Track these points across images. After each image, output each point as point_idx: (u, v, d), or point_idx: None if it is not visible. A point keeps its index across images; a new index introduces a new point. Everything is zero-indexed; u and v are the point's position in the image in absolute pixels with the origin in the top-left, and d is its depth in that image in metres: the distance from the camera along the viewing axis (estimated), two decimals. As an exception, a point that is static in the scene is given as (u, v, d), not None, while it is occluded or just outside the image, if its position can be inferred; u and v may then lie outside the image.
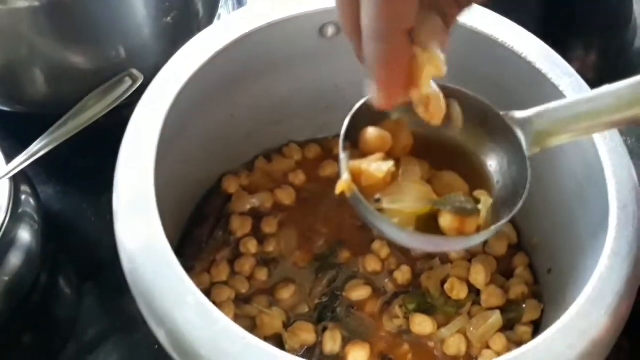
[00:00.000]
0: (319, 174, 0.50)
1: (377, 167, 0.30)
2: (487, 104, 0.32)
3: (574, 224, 0.39)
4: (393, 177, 0.31)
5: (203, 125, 0.43)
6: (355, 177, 0.30)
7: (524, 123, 0.31)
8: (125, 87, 0.49)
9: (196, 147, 0.43)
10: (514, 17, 0.42)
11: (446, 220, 0.29)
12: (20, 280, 0.45)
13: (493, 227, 0.30)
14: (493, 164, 0.32)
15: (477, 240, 0.31)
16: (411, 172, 0.31)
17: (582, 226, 0.38)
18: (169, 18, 0.50)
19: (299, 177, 0.49)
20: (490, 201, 0.30)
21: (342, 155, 0.30)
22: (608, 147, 0.37)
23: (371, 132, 0.31)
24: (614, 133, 0.38)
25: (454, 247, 0.35)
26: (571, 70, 0.39)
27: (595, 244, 0.34)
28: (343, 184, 0.30)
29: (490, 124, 0.32)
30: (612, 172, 0.36)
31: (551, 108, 0.31)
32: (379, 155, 0.31)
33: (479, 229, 0.30)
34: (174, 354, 0.30)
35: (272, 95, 0.46)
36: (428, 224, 0.29)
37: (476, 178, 0.32)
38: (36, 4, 0.44)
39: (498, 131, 0.31)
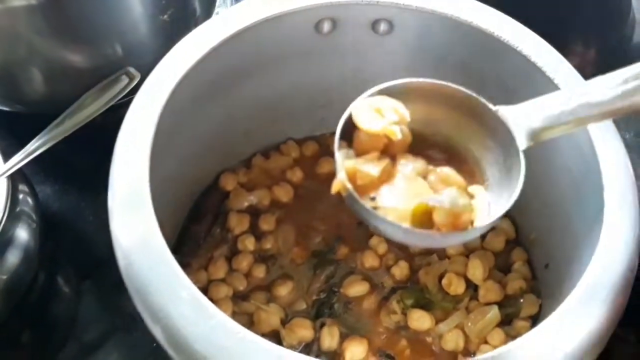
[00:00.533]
0: (316, 171, 0.50)
1: (372, 166, 0.30)
2: (480, 100, 0.32)
3: (571, 219, 0.39)
4: (389, 175, 0.31)
5: (199, 122, 0.43)
6: (351, 176, 0.30)
7: (516, 117, 0.31)
8: (122, 85, 0.49)
9: (193, 144, 0.43)
10: (511, 12, 0.42)
11: (440, 216, 0.29)
12: (18, 279, 0.45)
13: (488, 222, 0.30)
14: (488, 158, 0.32)
15: (471, 235, 0.31)
16: (407, 169, 0.31)
17: (579, 220, 0.38)
18: (165, 16, 0.50)
19: (297, 174, 0.49)
20: (485, 196, 0.30)
21: (338, 155, 0.31)
22: (604, 141, 0.37)
23: (365, 132, 0.31)
24: (611, 128, 0.37)
25: (449, 242, 0.35)
26: (565, 62, 0.39)
27: (592, 237, 0.34)
28: (338, 184, 0.30)
29: (483, 120, 0.32)
30: (608, 166, 0.36)
31: (544, 101, 0.31)
32: (374, 154, 0.31)
33: (472, 224, 0.30)
34: (169, 350, 0.30)
35: (269, 92, 0.46)
36: (423, 220, 0.29)
37: (472, 173, 0.32)
38: (33, 2, 0.44)
39: (491, 126, 0.31)
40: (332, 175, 0.49)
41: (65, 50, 0.49)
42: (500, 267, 0.45)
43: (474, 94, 0.32)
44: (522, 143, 0.30)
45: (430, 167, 0.32)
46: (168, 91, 0.37)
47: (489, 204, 0.31)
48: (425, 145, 0.33)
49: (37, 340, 0.47)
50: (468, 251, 0.45)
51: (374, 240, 0.46)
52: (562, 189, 0.40)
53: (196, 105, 0.41)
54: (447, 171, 0.32)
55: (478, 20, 0.40)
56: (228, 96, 0.44)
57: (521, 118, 0.31)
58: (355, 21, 0.43)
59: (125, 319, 0.47)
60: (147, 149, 0.34)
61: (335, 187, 0.30)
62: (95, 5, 0.47)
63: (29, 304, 0.47)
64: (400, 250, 0.46)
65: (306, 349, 0.42)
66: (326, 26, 0.43)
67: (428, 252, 0.45)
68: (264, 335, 0.41)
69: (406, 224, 0.29)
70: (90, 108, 0.48)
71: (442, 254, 0.45)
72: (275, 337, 0.42)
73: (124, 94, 0.48)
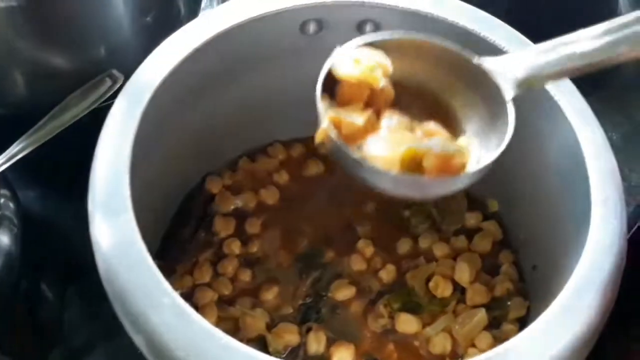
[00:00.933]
0: (303, 173, 0.49)
1: (356, 115, 0.30)
2: (463, 53, 0.32)
3: (558, 220, 0.39)
4: (374, 126, 0.30)
5: (183, 124, 0.42)
6: (335, 126, 0.29)
7: (501, 69, 0.31)
8: (106, 87, 0.48)
9: (177, 147, 0.43)
10: (497, 13, 0.42)
11: (430, 160, 0.28)
12: (0, 285, 0.44)
13: (480, 167, 0.29)
14: (474, 114, 0.32)
15: (462, 181, 0.30)
16: (392, 122, 0.31)
17: (566, 222, 0.38)
18: (149, 17, 0.50)
19: (283, 177, 0.49)
20: (473, 143, 0.30)
21: (320, 105, 0.30)
22: (591, 143, 0.36)
23: (345, 79, 0.31)
24: (598, 129, 0.37)
25: (440, 189, 0.32)
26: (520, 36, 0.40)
27: (579, 238, 0.34)
28: (322, 133, 0.29)
29: (468, 73, 0.31)
30: (595, 167, 0.35)
31: (529, 52, 0.31)
32: (358, 104, 0.31)
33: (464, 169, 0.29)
34: (150, 357, 0.30)
35: (254, 94, 0.46)
36: (412, 167, 0.29)
37: (458, 130, 0.32)
38: (13, 4, 0.43)
39: (476, 79, 0.31)
40: (319, 177, 0.50)
41: (47, 52, 0.48)
42: (488, 270, 0.45)
43: (457, 47, 0.32)
44: (508, 93, 0.30)
45: (416, 123, 0.31)
46: (150, 93, 0.36)
47: (478, 158, 0.30)
48: (409, 103, 0.32)
49: (22, 348, 0.46)
50: (455, 253, 0.45)
51: (361, 244, 0.45)
52: (549, 190, 0.40)
53: (179, 107, 0.40)
54: (433, 126, 0.31)
55: (464, 21, 0.40)
56: (212, 98, 0.43)
57: (505, 69, 0.31)
58: (341, 22, 0.42)
59: (111, 325, 0.45)
60: (128, 152, 0.34)
61: (319, 136, 0.29)
62: (78, 7, 0.46)
63: (12, 311, 0.46)
64: (388, 253, 0.45)
65: (292, 354, 0.41)
66: (312, 27, 0.42)
67: (415, 255, 0.45)
68: (249, 340, 0.41)
69: (395, 171, 0.28)
70: (73, 111, 0.47)
71: (429, 257, 0.45)
72: (261, 342, 0.41)
73: (107, 96, 0.48)
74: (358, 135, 0.30)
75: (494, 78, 0.31)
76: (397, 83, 0.32)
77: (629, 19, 0.29)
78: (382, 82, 0.31)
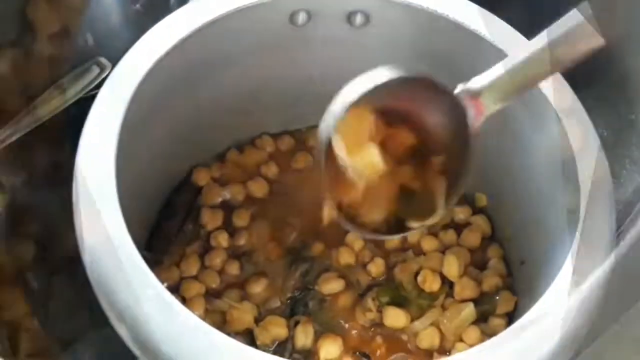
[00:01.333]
0: (291, 165, 0.49)
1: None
2: (441, 84, 0.32)
3: (546, 215, 0.39)
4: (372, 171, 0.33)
5: (170, 115, 0.41)
6: (336, 200, 0.33)
7: (471, 96, 0.31)
8: (93, 75, 0.47)
9: (164, 138, 0.42)
10: (488, 5, 0.41)
11: (413, 225, 0.35)
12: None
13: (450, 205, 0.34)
14: (449, 138, 0.33)
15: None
16: (377, 184, 0.34)
17: (555, 216, 0.38)
18: (138, 5, 0.49)
19: (272, 169, 0.48)
20: (443, 185, 0.33)
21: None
22: (582, 139, 0.36)
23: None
24: (588, 125, 0.37)
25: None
26: (510, 28, 0.40)
27: (567, 234, 0.34)
28: (328, 216, 0.34)
29: (444, 102, 0.32)
30: (585, 163, 0.35)
31: (498, 72, 0.32)
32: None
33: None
34: (135, 350, 0.30)
35: (242, 85, 0.45)
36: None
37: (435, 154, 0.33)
38: (-2, -11, 0.43)
39: (450, 107, 0.32)
40: (307, 170, 0.49)
41: (34, 38, 0.47)
42: (476, 264, 0.45)
43: (431, 76, 0.32)
44: (474, 127, 0.32)
45: (396, 167, 0.34)
46: (136, 82, 0.35)
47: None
48: (396, 133, 0.33)
49: (6, 337, 0.46)
50: (444, 247, 0.45)
51: (349, 237, 0.45)
52: (538, 184, 0.40)
53: (166, 97, 0.40)
54: (409, 169, 0.34)
55: (454, 14, 0.40)
56: (200, 88, 0.43)
57: (477, 95, 0.31)
58: (331, 13, 0.42)
59: (97, 315, 0.45)
60: (114, 142, 0.33)
61: (326, 219, 0.34)
62: (65, -7, 0.45)
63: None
64: (376, 246, 0.45)
65: (280, 347, 0.41)
66: (301, 18, 0.42)
67: (404, 248, 0.45)
68: (237, 334, 0.41)
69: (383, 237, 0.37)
70: (59, 99, 0.46)
71: (418, 251, 0.45)
72: (248, 335, 0.41)
73: (94, 84, 0.47)
74: (356, 199, 0.34)
75: (465, 111, 0.32)
76: (382, 113, 0.33)
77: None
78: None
